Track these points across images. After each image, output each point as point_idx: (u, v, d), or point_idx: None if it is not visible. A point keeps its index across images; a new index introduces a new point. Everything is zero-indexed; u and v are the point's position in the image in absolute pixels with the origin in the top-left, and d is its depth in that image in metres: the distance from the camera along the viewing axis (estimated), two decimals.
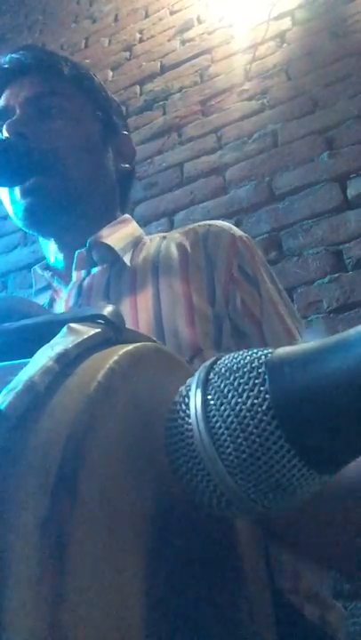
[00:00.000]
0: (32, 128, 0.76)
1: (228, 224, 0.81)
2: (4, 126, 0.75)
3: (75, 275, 0.76)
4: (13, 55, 0.82)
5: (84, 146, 0.80)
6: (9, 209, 0.79)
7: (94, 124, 0.83)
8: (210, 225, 0.79)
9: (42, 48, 0.88)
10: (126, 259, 0.76)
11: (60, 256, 0.81)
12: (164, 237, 0.81)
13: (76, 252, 0.77)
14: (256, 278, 0.73)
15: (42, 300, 0.81)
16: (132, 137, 0.93)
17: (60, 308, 0.76)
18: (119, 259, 0.75)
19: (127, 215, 0.87)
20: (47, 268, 0.83)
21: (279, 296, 0.74)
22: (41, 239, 0.85)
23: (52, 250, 0.82)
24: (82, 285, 0.75)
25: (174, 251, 0.75)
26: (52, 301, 0.79)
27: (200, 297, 0.69)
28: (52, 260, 0.83)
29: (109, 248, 0.76)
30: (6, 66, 0.82)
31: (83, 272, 0.76)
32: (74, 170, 0.77)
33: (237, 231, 0.79)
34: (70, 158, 0.77)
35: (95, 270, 0.76)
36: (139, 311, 0.68)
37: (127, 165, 0.88)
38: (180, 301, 0.68)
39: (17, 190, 0.76)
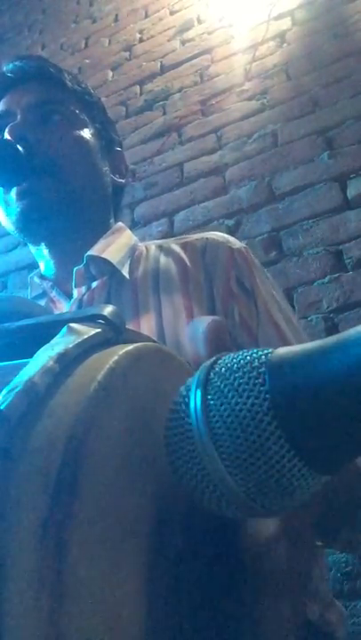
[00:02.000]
0: (34, 133, 0.76)
1: (224, 236, 0.81)
2: (7, 129, 0.76)
3: (75, 292, 0.76)
4: (17, 62, 0.83)
5: (83, 154, 0.80)
6: (4, 215, 0.79)
7: (93, 136, 0.84)
8: (207, 238, 0.79)
9: (46, 59, 0.89)
10: (125, 271, 0.76)
11: (52, 263, 0.81)
12: (161, 247, 0.81)
13: (75, 270, 0.76)
14: (253, 291, 0.73)
15: None
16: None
17: None
18: (118, 271, 0.76)
19: (120, 223, 0.87)
20: (43, 277, 0.83)
21: (276, 305, 0.74)
22: (31, 247, 0.84)
23: (43, 256, 0.82)
24: (82, 300, 0.75)
25: (173, 265, 0.76)
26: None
27: (201, 312, 0.69)
28: (42, 268, 0.83)
29: (107, 261, 0.76)
30: (10, 72, 0.82)
31: (83, 288, 0.76)
32: (72, 176, 0.77)
33: (235, 243, 0.79)
34: (70, 164, 0.77)
35: (95, 284, 0.76)
36: (142, 327, 0.68)
37: (122, 180, 0.89)
38: (182, 317, 0.69)
39: (13, 193, 0.76)
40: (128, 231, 0.86)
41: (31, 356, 0.28)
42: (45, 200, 0.75)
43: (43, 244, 0.81)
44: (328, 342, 0.28)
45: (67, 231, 0.79)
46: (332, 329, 1.47)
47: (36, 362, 0.27)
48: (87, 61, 2.58)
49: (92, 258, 0.77)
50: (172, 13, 2.48)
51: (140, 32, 2.52)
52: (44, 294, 0.81)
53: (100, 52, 2.58)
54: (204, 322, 0.37)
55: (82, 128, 0.82)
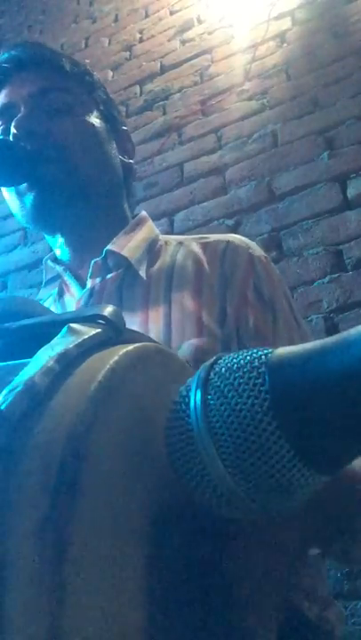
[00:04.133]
0: (40, 125, 0.75)
1: (246, 241, 0.80)
2: (13, 123, 0.74)
3: (89, 282, 0.77)
4: (12, 51, 0.81)
5: (92, 140, 0.79)
6: (13, 204, 0.78)
7: (98, 119, 0.82)
8: (228, 241, 0.78)
9: (41, 44, 0.87)
10: (142, 271, 0.75)
11: (67, 250, 0.81)
12: (181, 244, 0.80)
13: (93, 261, 0.77)
14: (272, 301, 0.72)
15: (51, 289, 0.82)
16: (132, 137, 0.93)
17: (70, 304, 0.77)
18: (134, 267, 0.76)
19: (143, 213, 0.87)
20: (57, 260, 0.84)
21: (294, 319, 0.74)
22: (46, 236, 0.85)
23: (58, 244, 0.83)
24: (93, 290, 0.76)
25: (190, 264, 0.75)
26: (61, 292, 0.80)
27: (210, 316, 0.69)
28: (58, 253, 0.84)
29: (125, 258, 0.76)
30: (6, 62, 0.80)
31: (97, 279, 0.77)
32: (83, 163, 0.77)
33: (256, 249, 0.79)
34: (80, 152, 0.77)
35: (109, 276, 0.76)
36: (150, 324, 0.68)
37: (130, 161, 0.88)
38: (191, 318, 0.68)
39: (23, 184, 0.75)
40: (150, 223, 0.85)
41: (32, 355, 0.28)
42: (57, 188, 0.74)
43: (58, 233, 0.81)
44: (328, 342, 0.28)
45: (81, 219, 0.79)
46: (332, 329, 1.47)
47: (36, 362, 0.27)
48: (87, 61, 2.58)
49: (112, 252, 0.77)
50: (172, 13, 2.48)
51: (140, 32, 2.52)
52: (58, 277, 0.82)
53: (100, 52, 2.58)
54: (188, 347, 0.36)
55: (87, 112, 0.81)
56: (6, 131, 0.77)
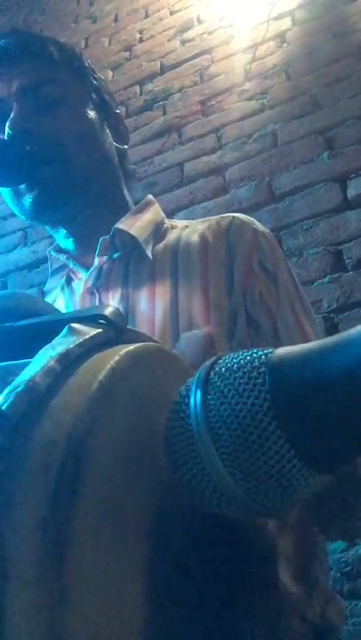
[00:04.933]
0: (34, 123, 0.74)
1: (250, 218, 0.82)
2: (7, 124, 0.73)
3: (97, 260, 0.78)
4: None
5: (86, 132, 0.79)
6: (13, 204, 0.78)
7: (91, 108, 0.82)
8: (233, 217, 0.80)
9: (27, 32, 0.85)
10: (148, 251, 0.77)
11: (70, 241, 0.82)
12: (186, 227, 0.82)
13: (101, 239, 0.77)
14: (276, 274, 0.74)
15: (58, 278, 0.84)
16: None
17: (79, 287, 0.79)
18: (141, 247, 0.77)
19: (150, 197, 0.88)
20: (60, 250, 0.85)
21: (297, 294, 0.76)
22: (49, 228, 0.85)
23: (61, 236, 0.83)
24: (102, 268, 0.77)
25: (196, 239, 0.77)
26: (69, 280, 0.82)
27: (217, 288, 0.70)
28: (61, 244, 0.85)
29: (133, 237, 0.77)
30: None
31: (105, 257, 0.78)
32: (79, 157, 0.76)
33: (260, 226, 0.80)
34: (75, 147, 0.76)
35: (116, 255, 0.78)
36: (156, 299, 0.70)
37: (125, 146, 0.88)
38: (197, 290, 0.70)
39: (22, 185, 0.75)
40: (156, 206, 0.86)
41: (32, 355, 0.28)
42: (55, 187, 0.75)
43: (60, 226, 0.82)
44: (328, 342, 0.28)
45: (83, 211, 0.79)
46: (332, 329, 1.47)
47: (37, 362, 0.28)
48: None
49: (120, 231, 0.77)
50: (172, 13, 2.47)
51: (140, 32, 2.52)
52: (64, 267, 0.84)
53: (100, 52, 2.58)
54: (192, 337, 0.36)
55: (80, 102, 0.80)
56: None
